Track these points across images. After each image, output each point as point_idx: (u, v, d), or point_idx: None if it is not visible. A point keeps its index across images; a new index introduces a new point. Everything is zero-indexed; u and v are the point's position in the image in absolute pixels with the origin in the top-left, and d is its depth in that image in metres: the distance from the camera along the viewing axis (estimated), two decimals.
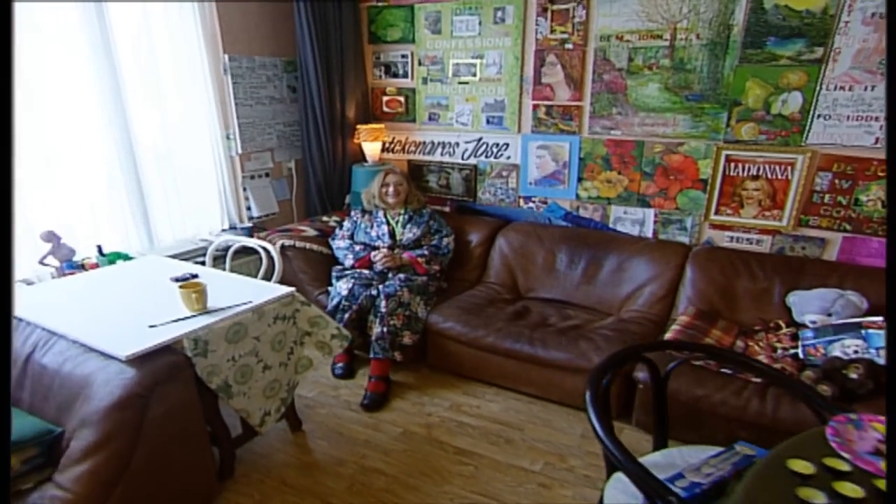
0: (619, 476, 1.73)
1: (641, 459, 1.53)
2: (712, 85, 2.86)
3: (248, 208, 3.58)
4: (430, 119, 3.74)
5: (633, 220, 3.29)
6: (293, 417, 2.56)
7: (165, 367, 1.90)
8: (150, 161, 3.11)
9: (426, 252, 3.23)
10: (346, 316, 2.91)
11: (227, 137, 3.46)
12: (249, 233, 3.37)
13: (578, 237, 3.29)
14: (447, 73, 3.60)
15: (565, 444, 2.50)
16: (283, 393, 2.37)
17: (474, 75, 3.51)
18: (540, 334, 2.76)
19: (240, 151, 3.48)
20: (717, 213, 3.05)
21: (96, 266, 2.69)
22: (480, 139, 3.60)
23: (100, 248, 2.79)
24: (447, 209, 3.84)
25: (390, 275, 3.15)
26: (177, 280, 2.43)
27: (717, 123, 2.91)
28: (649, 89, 3.02)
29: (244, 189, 3.54)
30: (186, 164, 3.29)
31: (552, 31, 3.21)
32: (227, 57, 3.35)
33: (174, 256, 2.98)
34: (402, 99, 3.81)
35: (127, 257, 2.83)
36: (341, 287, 3.01)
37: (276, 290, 2.35)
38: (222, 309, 2.16)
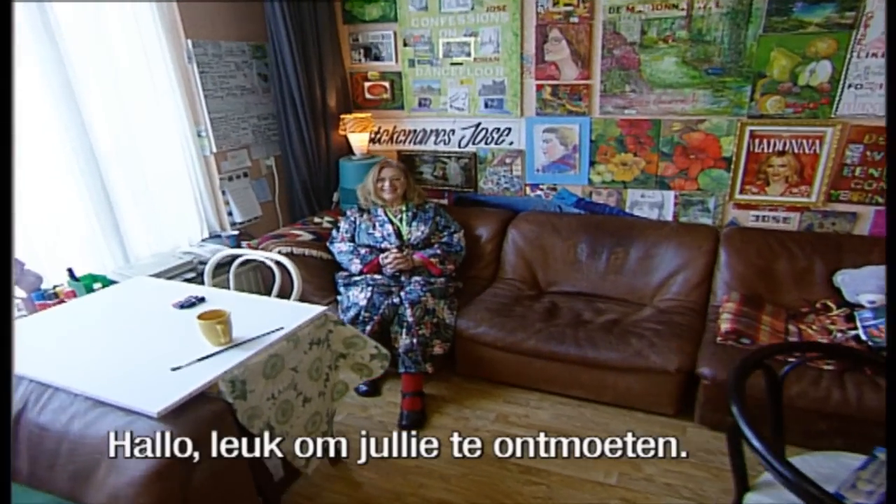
0: (757, 499, 1.56)
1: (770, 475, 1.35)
2: (734, 57, 2.72)
3: (230, 213, 3.18)
4: (420, 105, 3.45)
5: (652, 204, 3.14)
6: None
7: (207, 419, 1.57)
8: (115, 167, 2.68)
9: (438, 251, 2.96)
10: (368, 328, 2.61)
11: (199, 135, 3.05)
12: (236, 241, 2.99)
13: (597, 225, 3.11)
14: (437, 54, 3.31)
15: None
16: (324, 426, 2.07)
17: (468, 55, 3.24)
18: (585, 333, 2.57)
19: (214, 150, 3.08)
20: (741, 192, 2.94)
21: (73, 294, 2.27)
22: (479, 125, 3.35)
23: (71, 272, 2.36)
24: (445, 202, 3.58)
25: (403, 278, 2.87)
26: (181, 306, 2.08)
27: (740, 98, 2.78)
28: (665, 64, 2.85)
29: (223, 192, 3.14)
30: (156, 167, 2.88)
31: (555, 4, 2.98)
32: (190, 43, 2.93)
33: (158, 275, 2.58)
34: (386, 84, 3.49)
35: (105, 280, 2.42)
36: (357, 296, 2.70)
37: (307, 310, 2.03)
38: (252, 339, 1.83)
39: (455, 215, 3.23)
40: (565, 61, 3.04)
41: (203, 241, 3.05)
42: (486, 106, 3.29)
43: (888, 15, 2.40)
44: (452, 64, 3.28)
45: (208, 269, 2.45)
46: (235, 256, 2.47)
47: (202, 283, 2.69)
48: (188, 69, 2.97)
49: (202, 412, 1.57)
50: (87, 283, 2.34)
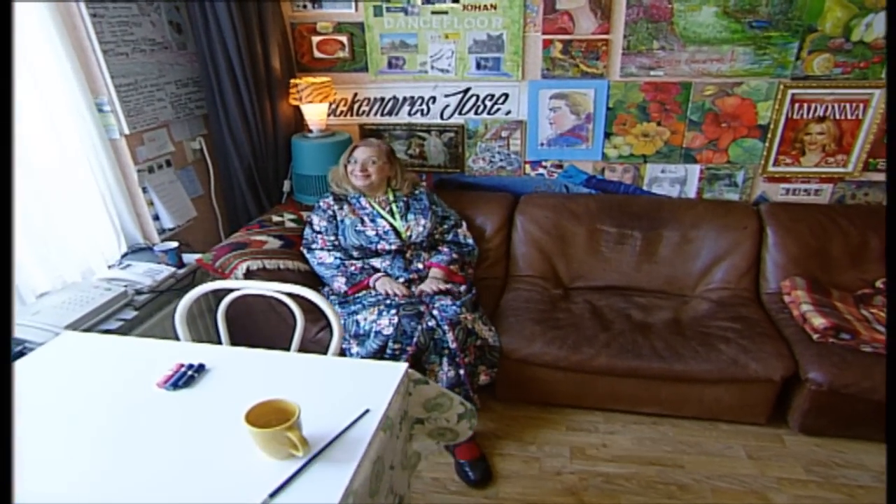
0: None
1: None
2: (783, 7, 2.37)
3: (156, 217, 2.27)
4: (390, 66, 2.73)
5: (673, 180, 2.75)
6: None
7: None
8: None
9: (455, 255, 2.34)
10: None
11: (101, 109, 2.10)
12: (177, 256, 2.11)
13: (620, 206, 2.66)
14: (414, 0, 2.60)
15: (748, 475, 1.97)
16: None
17: (456, 1, 2.57)
18: (662, 343, 2.13)
19: (126, 131, 2.15)
20: (775, 163, 2.65)
21: None
22: (468, 90, 2.72)
23: None
24: (423, 185, 2.90)
25: (414, 288, 2.21)
26: (175, 384, 1.28)
27: (784, 56, 2.45)
28: (703, 15, 2.43)
29: (144, 189, 2.22)
30: (43, 160, 1.91)
31: None
32: None
33: (81, 322, 1.69)
34: (343, 39, 2.72)
35: None
36: (378, 321, 2.00)
37: (384, 372, 1.34)
38: (336, 438, 1.13)
39: (446, 202, 2.60)
40: (581, 11, 2.50)
41: (124, 257, 2.13)
42: (479, 67, 2.66)
43: (888, 15, 2.24)
44: (434, 13, 2.59)
45: (181, 313, 1.59)
46: (224, 291, 1.62)
47: (154, 326, 1.84)
48: (72, 9, 2.01)
49: None
50: None
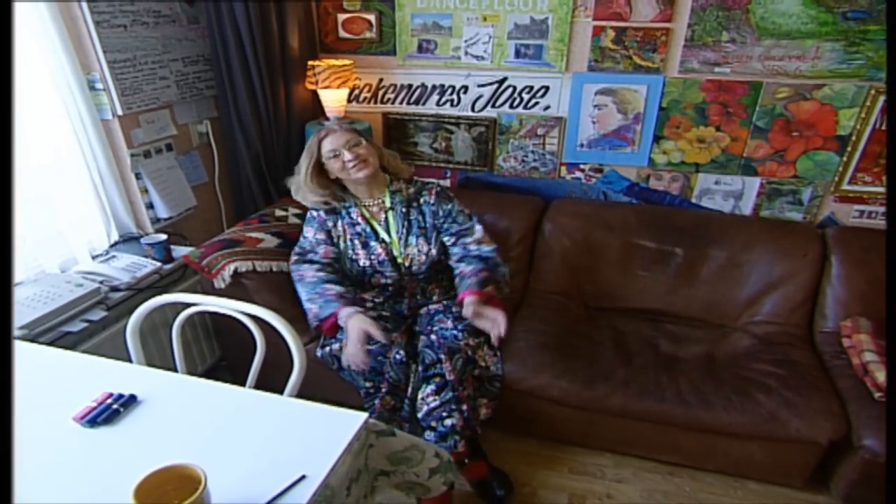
0: None
1: None
2: None
3: (150, 205, 2.14)
4: (420, 50, 2.49)
5: (727, 193, 2.42)
6: None
7: None
8: None
9: (483, 272, 1.87)
10: (377, 402, 1.75)
11: (93, 87, 1.96)
12: (164, 250, 1.98)
13: (663, 220, 2.36)
14: None
15: None
16: None
17: None
18: (688, 385, 1.86)
19: (120, 112, 2.01)
20: (851, 181, 2.27)
21: None
22: (504, 80, 2.45)
23: None
24: (447, 182, 2.68)
25: (407, 299, 1.99)
26: (93, 420, 1.15)
27: (881, 55, 2.06)
28: (787, 3, 2.05)
29: (137, 176, 2.09)
30: (29, 139, 1.79)
31: None
32: None
33: (39, 323, 1.57)
34: (371, 18, 2.49)
35: None
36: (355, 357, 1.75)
37: (338, 422, 1.15)
38: None
39: (467, 203, 2.28)
40: None
41: (112, 247, 2.02)
42: (518, 54, 2.38)
43: (888, 15, 1.95)
44: None
45: (132, 327, 1.45)
46: (183, 305, 1.46)
47: (112, 333, 1.71)
48: None
49: None
50: None
